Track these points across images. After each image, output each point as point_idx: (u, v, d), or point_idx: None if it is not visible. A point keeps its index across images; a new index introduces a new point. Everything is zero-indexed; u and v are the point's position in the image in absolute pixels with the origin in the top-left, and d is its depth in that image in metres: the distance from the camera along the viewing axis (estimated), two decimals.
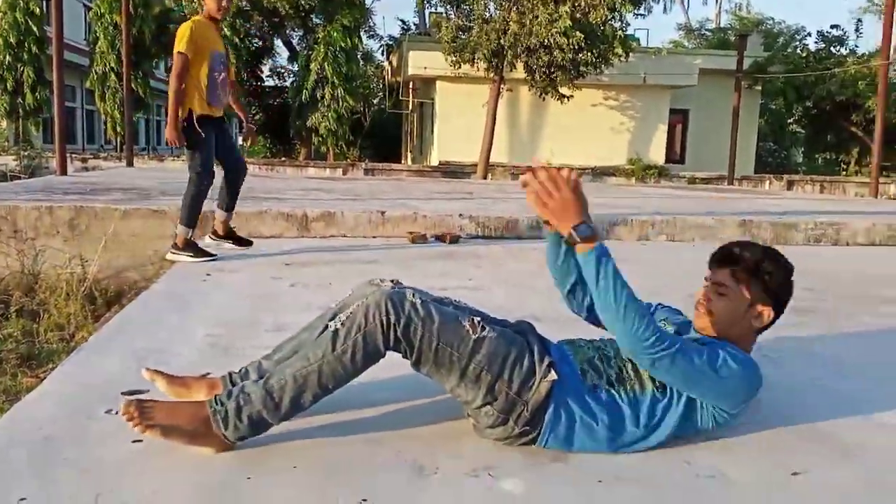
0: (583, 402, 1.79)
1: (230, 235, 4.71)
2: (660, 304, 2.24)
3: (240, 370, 1.99)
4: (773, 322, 1.95)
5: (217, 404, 1.74)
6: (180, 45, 4.13)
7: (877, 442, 1.96)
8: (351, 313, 1.75)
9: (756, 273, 1.88)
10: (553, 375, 1.77)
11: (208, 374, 2.29)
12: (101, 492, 1.57)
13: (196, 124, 4.23)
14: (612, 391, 1.81)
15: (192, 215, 4.37)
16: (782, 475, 1.74)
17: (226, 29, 16.53)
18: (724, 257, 1.93)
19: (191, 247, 4.38)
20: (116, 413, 1.98)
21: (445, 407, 2.03)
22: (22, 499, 1.53)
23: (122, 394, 2.13)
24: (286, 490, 1.60)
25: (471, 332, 1.77)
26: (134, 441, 1.80)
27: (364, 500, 1.56)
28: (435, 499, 1.58)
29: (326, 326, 1.78)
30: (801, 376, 2.49)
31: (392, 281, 1.91)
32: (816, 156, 24.31)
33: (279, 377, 1.74)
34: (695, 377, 1.74)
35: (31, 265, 4.95)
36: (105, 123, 18.45)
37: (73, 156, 14.24)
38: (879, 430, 2.04)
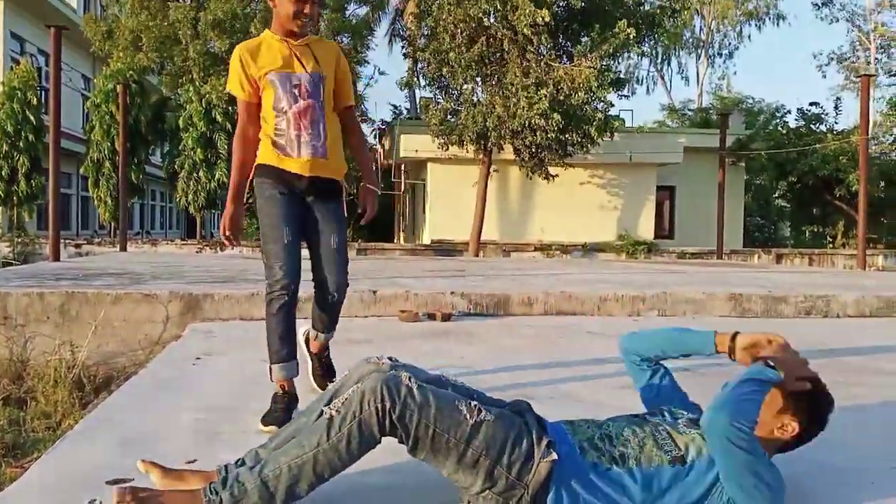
0: (585, 480, 1.76)
1: (319, 360, 3.22)
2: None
3: (237, 461, 1.93)
4: (796, 442, 1.91)
5: (212, 493, 1.71)
6: (230, 87, 2.86)
7: None
8: (346, 399, 1.74)
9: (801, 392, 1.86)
10: (553, 456, 1.75)
11: (195, 461, 2.26)
12: None
13: (256, 177, 2.83)
14: (616, 468, 1.78)
15: (268, 343, 2.82)
16: None
17: (218, 116, 16.95)
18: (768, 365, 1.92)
19: (273, 398, 2.78)
20: (100, 503, 1.94)
21: (443, 490, 1.99)
22: None
23: (107, 483, 2.09)
24: None
25: (468, 416, 1.75)
26: None
27: None
28: None
29: (322, 413, 1.77)
30: (801, 452, 2.46)
31: (389, 358, 1.91)
32: (803, 229, 24.63)
33: (274, 466, 1.72)
34: (740, 471, 1.71)
35: (19, 352, 4.91)
36: (99, 209, 18.62)
37: (67, 241, 14.32)
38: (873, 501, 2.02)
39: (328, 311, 3.01)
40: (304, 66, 2.81)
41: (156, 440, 2.51)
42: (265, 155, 2.80)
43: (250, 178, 2.85)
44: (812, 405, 1.88)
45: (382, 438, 1.75)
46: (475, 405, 1.78)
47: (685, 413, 2.00)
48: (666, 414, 1.99)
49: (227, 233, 2.84)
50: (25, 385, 4.66)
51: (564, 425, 1.92)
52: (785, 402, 1.85)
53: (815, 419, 1.89)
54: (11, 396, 4.49)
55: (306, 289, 2.94)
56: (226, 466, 1.92)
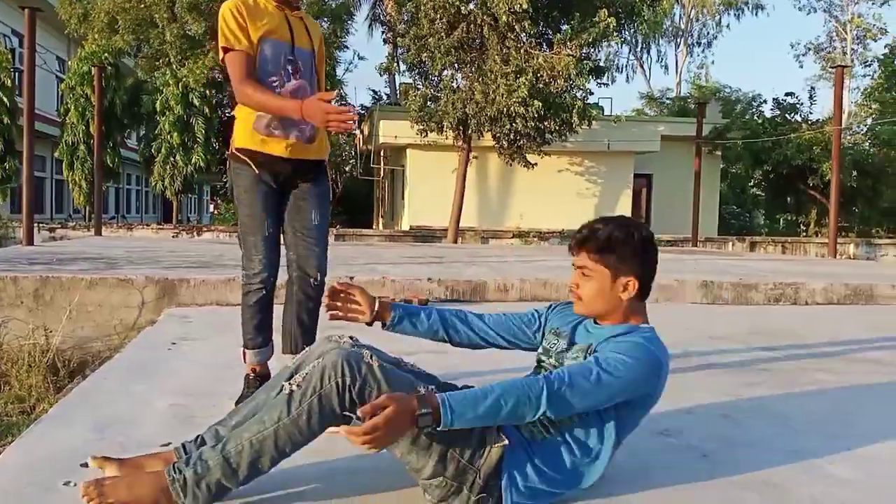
0: (529, 455, 1.81)
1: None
2: (555, 306, 2.19)
3: (195, 438, 1.94)
4: (646, 288, 1.96)
5: (175, 472, 1.74)
6: (221, 40, 2.55)
7: (827, 493, 2.02)
8: (307, 374, 1.75)
9: (608, 247, 1.90)
10: (504, 441, 1.78)
11: (169, 444, 2.28)
12: None
13: (233, 162, 2.63)
14: (548, 435, 1.84)
15: (243, 329, 2.79)
16: None
17: (195, 100, 16.81)
18: (579, 240, 1.95)
19: (245, 381, 2.76)
20: (75, 485, 1.97)
21: (405, 476, 2.04)
22: None
23: (81, 465, 2.11)
24: None
25: (425, 393, 1.77)
26: None
27: None
28: None
29: (282, 388, 1.79)
30: (756, 433, 2.55)
31: (350, 337, 1.92)
32: (777, 217, 24.96)
33: (236, 442, 1.74)
34: (595, 396, 1.75)
35: None
36: (74, 193, 18.40)
37: (41, 225, 14.15)
38: (822, 480, 2.11)
39: (308, 311, 2.72)
40: (299, 41, 2.62)
41: (131, 424, 2.53)
42: (244, 137, 2.56)
43: (229, 155, 2.65)
44: (629, 251, 1.91)
45: (343, 414, 1.75)
46: (432, 389, 1.82)
47: (556, 344, 2.04)
48: (549, 357, 2.03)
49: (342, 116, 2.27)
50: None
51: None
52: (609, 268, 1.90)
53: (642, 259, 1.92)
54: None
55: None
56: (184, 445, 1.93)
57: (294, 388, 1.75)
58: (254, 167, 2.57)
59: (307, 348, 1.99)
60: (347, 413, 1.73)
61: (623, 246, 1.90)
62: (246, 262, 2.68)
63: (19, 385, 4.37)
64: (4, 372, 4.56)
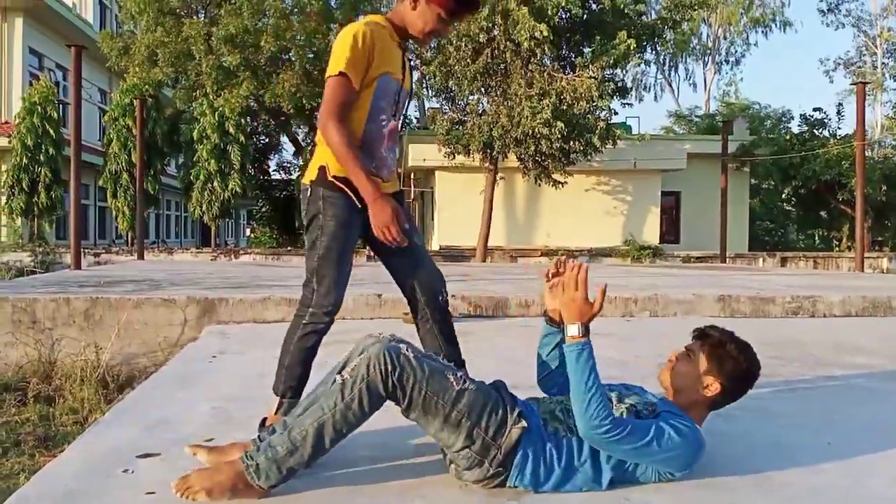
0: (544, 446, 2.09)
1: None
2: (623, 384, 2.43)
3: (269, 430, 2.16)
4: (722, 400, 2.23)
5: (248, 459, 2.03)
6: (335, 63, 2.34)
7: (807, 482, 2.23)
8: (356, 366, 2.05)
9: (718, 349, 2.20)
10: (523, 423, 2.08)
11: (212, 439, 2.59)
12: None
13: (325, 189, 2.40)
14: (571, 437, 2.10)
15: (286, 372, 2.51)
16: None
17: (231, 128, 17.42)
18: (701, 332, 2.27)
19: (262, 426, 2.48)
20: (132, 472, 2.27)
21: (419, 464, 2.31)
22: None
23: (137, 457, 2.42)
24: None
25: (454, 383, 2.07)
26: (147, 493, 2.09)
27: None
28: None
29: (335, 379, 2.08)
30: (754, 431, 2.75)
31: (391, 335, 2.22)
32: (811, 232, 24.75)
33: (300, 428, 2.03)
34: (638, 454, 2.05)
35: (48, 353, 5.26)
36: (117, 219, 19.09)
37: (86, 250, 14.75)
38: (812, 474, 2.30)
39: (448, 325, 2.65)
40: (406, 82, 2.56)
41: (178, 424, 2.84)
42: (340, 167, 2.37)
43: (311, 184, 2.43)
44: (734, 365, 2.19)
45: (387, 398, 2.05)
46: (461, 375, 2.12)
47: (631, 392, 2.30)
48: (616, 391, 2.30)
49: (398, 236, 2.35)
50: (54, 384, 5.00)
51: (531, 401, 2.25)
52: (708, 364, 2.19)
53: (736, 378, 2.21)
54: (41, 394, 4.83)
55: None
56: (259, 436, 2.22)
57: (346, 377, 2.04)
58: (354, 197, 2.39)
59: (353, 346, 2.24)
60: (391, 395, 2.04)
61: (729, 359, 2.20)
62: (318, 299, 2.44)
63: (73, 398, 4.72)
64: (59, 386, 4.93)
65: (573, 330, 2.06)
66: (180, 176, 19.63)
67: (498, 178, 15.29)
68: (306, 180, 2.46)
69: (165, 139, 19.04)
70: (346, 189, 2.38)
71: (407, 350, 2.09)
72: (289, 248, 21.52)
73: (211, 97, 17.45)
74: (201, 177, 17.89)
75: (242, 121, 17.99)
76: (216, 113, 17.41)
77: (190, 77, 17.86)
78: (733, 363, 2.19)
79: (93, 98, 22.74)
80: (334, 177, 2.39)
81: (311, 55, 17.70)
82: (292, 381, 2.49)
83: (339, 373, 2.10)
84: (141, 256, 13.74)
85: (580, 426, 2.01)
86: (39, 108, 17.41)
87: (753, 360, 2.23)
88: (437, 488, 2.13)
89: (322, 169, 2.41)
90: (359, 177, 2.31)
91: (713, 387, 2.19)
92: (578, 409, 2.00)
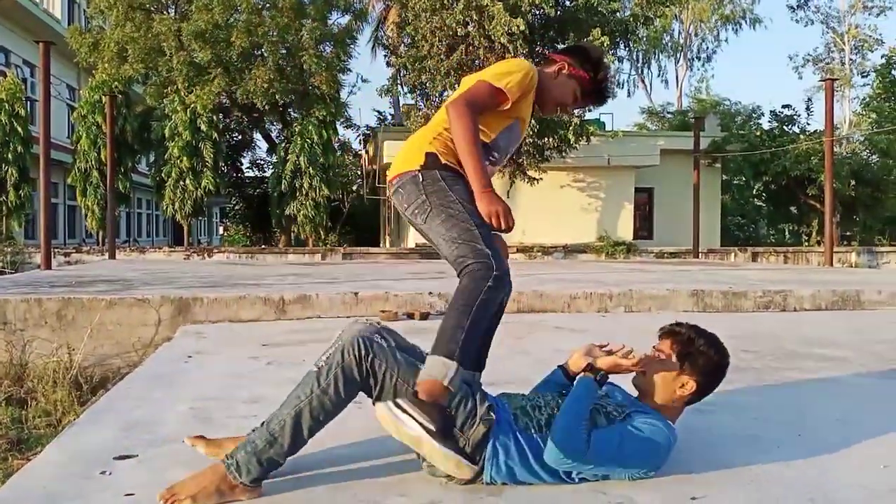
0: (516, 440, 2.11)
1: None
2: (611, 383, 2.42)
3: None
4: (697, 396, 2.26)
5: (229, 459, 2.04)
6: (502, 76, 2.35)
7: (778, 474, 2.28)
8: (330, 353, 2.08)
9: (688, 347, 2.23)
10: (492, 416, 2.11)
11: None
12: None
13: (443, 171, 2.34)
14: (540, 433, 2.13)
15: (467, 339, 2.16)
16: (683, 499, 2.06)
17: (203, 125, 17.26)
18: (669, 330, 2.30)
19: (439, 411, 2.07)
20: (110, 474, 2.26)
21: (399, 462, 2.33)
22: None
23: (114, 458, 2.41)
24: None
25: None
26: (126, 494, 2.08)
27: None
28: None
29: (310, 370, 2.10)
30: (727, 424, 2.81)
31: (378, 323, 2.26)
32: (781, 227, 25.14)
33: (278, 419, 2.05)
34: (607, 472, 2.11)
35: (19, 355, 5.19)
36: (86, 218, 18.82)
37: (56, 250, 14.53)
38: (783, 467, 2.35)
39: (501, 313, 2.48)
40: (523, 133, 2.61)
41: (155, 424, 2.82)
42: (451, 154, 2.36)
43: (421, 168, 2.34)
44: (706, 361, 2.23)
45: (360, 390, 2.08)
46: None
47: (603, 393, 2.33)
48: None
49: (511, 223, 2.29)
50: (26, 386, 4.93)
51: (502, 397, 2.27)
52: (681, 364, 2.22)
53: (709, 372, 2.25)
54: (13, 397, 4.76)
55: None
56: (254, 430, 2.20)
57: (321, 364, 2.07)
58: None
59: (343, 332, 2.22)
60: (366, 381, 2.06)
61: (701, 354, 2.23)
62: (480, 255, 2.20)
63: (46, 400, 4.66)
64: (32, 388, 4.86)
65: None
66: (151, 174, 19.41)
67: None
68: (411, 167, 2.35)
69: (136, 136, 18.80)
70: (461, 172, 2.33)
71: (380, 339, 2.13)
72: (263, 246, 21.38)
73: (182, 94, 17.26)
74: (173, 174, 17.70)
75: (215, 117, 17.83)
76: (188, 110, 17.23)
77: (160, 73, 17.65)
78: (705, 359, 2.23)
79: (61, 95, 22.35)
80: (450, 162, 2.35)
81: (283, 51, 17.57)
82: (474, 352, 2.24)
83: (317, 361, 2.12)
84: (112, 256, 13.57)
85: (550, 451, 2.04)
86: (7, 105, 17.10)
87: (723, 352, 2.27)
88: (417, 485, 2.14)
89: (432, 155, 2.35)
90: (477, 165, 2.27)
91: (689, 385, 2.22)
92: (565, 425, 2.05)
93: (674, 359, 2.22)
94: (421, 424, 2.01)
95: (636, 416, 2.14)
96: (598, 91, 2.57)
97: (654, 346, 2.31)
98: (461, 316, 2.16)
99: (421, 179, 2.33)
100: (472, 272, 2.19)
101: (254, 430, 2.10)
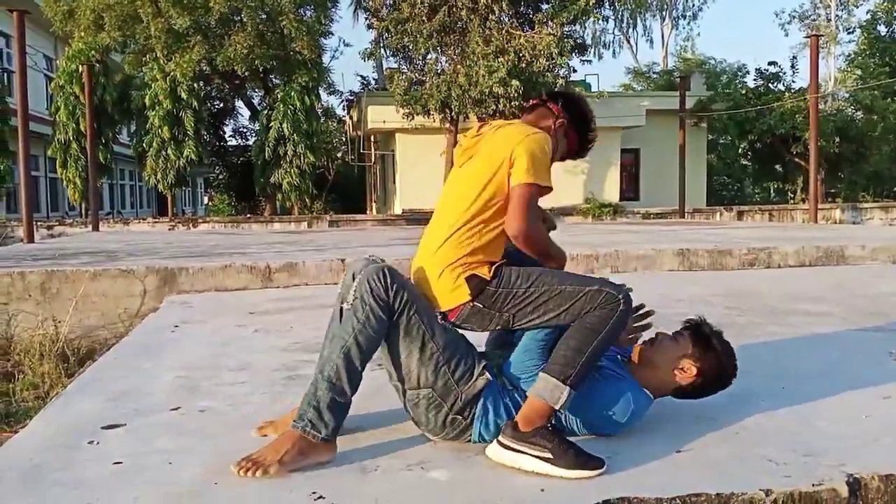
0: (503, 398, 2.14)
1: None
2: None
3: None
4: (689, 391, 2.24)
5: (300, 421, 2.04)
6: (542, 173, 2.22)
7: (754, 424, 2.32)
8: (356, 288, 2.08)
9: (704, 341, 2.23)
10: (488, 376, 2.15)
11: (178, 408, 2.58)
12: (91, 501, 1.84)
13: (495, 281, 2.18)
14: (517, 391, 2.16)
15: (588, 365, 2.09)
16: (669, 452, 2.09)
17: (183, 93, 17.00)
18: (694, 324, 2.29)
19: (545, 436, 2.02)
20: (98, 444, 2.26)
21: (388, 424, 2.34)
22: None
23: (102, 428, 2.40)
24: (247, 491, 1.89)
25: (440, 319, 2.16)
26: (115, 463, 2.08)
27: (314, 492, 1.85)
28: (375, 488, 1.89)
29: (342, 310, 2.11)
30: None
31: (379, 259, 2.27)
32: (766, 185, 25.23)
33: (331, 365, 2.06)
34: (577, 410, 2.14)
35: (4, 329, 5.16)
36: (68, 190, 18.61)
37: (39, 223, 14.38)
38: (766, 418, 2.39)
39: None
40: None
41: (142, 394, 2.82)
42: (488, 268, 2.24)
43: (472, 298, 2.19)
44: (714, 358, 2.23)
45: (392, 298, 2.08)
46: (442, 318, 2.19)
47: None
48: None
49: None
50: (12, 360, 4.92)
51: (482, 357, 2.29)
52: (692, 349, 2.22)
53: (712, 373, 2.23)
54: (0, 371, 4.76)
55: None
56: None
57: (353, 301, 2.08)
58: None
59: (343, 276, 2.26)
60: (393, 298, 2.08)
61: (713, 354, 2.22)
62: (597, 293, 2.13)
63: (33, 373, 4.65)
64: (18, 361, 4.84)
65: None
66: (133, 144, 19.15)
67: (459, 139, 15.25)
68: (460, 299, 2.19)
69: (116, 106, 18.50)
70: (500, 266, 2.23)
71: (401, 275, 2.15)
72: (248, 215, 21.24)
73: (161, 62, 16.97)
74: (154, 144, 17.48)
75: (195, 86, 17.56)
76: (167, 78, 16.95)
77: (139, 41, 17.32)
78: (715, 358, 2.22)
79: (38, 65, 21.93)
80: (487, 278, 2.20)
81: (263, 16, 17.25)
82: (586, 370, 2.11)
83: (343, 303, 2.13)
84: (96, 228, 13.45)
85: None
86: None
87: (732, 366, 2.27)
88: (407, 446, 2.16)
89: (475, 277, 2.18)
90: (551, 250, 2.31)
91: (690, 371, 2.21)
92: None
93: (688, 342, 2.23)
94: (538, 457, 1.97)
95: (610, 376, 2.17)
96: (579, 152, 2.52)
97: (674, 332, 2.30)
98: (587, 340, 2.08)
99: (482, 307, 2.19)
100: (602, 303, 2.11)
101: (311, 386, 2.09)
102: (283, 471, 1.96)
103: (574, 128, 2.44)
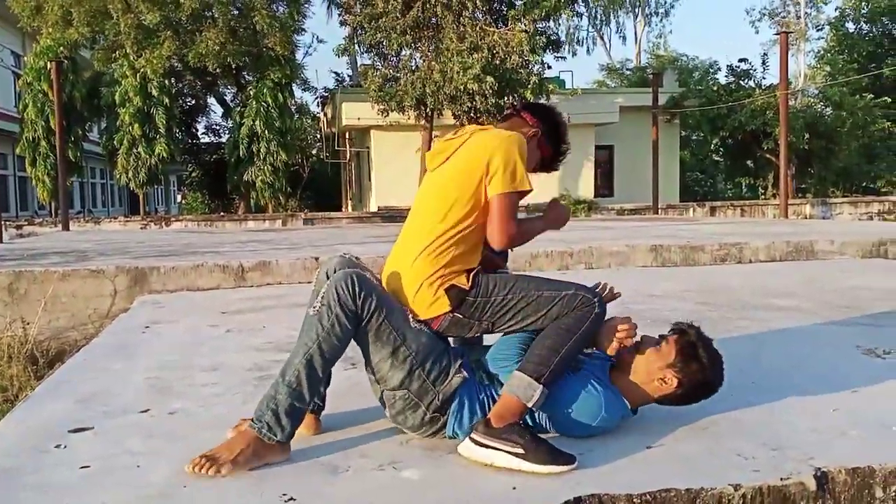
0: (478, 393, 2.15)
1: None
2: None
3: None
4: (671, 399, 2.19)
5: (257, 423, 2.03)
6: (515, 176, 2.23)
7: (724, 418, 2.34)
8: (324, 294, 2.06)
9: (689, 349, 2.15)
10: (464, 374, 2.14)
11: (148, 410, 2.55)
12: None
13: (474, 290, 2.19)
14: (494, 384, 2.17)
15: (563, 360, 2.11)
16: (640, 447, 2.10)
17: (154, 90, 16.79)
18: (680, 329, 2.21)
19: (517, 432, 2.02)
20: (65, 447, 2.22)
21: (359, 422, 2.33)
22: None
23: (69, 431, 2.37)
24: (217, 493, 1.87)
25: (411, 322, 2.14)
26: (82, 467, 2.05)
27: (284, 494, 1.84)
28: (347, 489, 1.88)
29: (309, 313, 2.09)
30: None
31: (356, 258, 2.27)
32: (738, 181, 25.53)
33: (292, 369, 2.04)
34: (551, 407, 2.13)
35: None
36: (38, 189, 18.30)
37: (8, 223, 14.13)
38: (738, 412, 2.41)
39: None
40: None
41: (111, 396, 2.78)
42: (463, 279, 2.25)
43: (452, 308, 2.19)
44: (698, 372, 2.15)
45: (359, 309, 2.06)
46: (416, 320, 2.17)
47: None
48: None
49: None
50: None
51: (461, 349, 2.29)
52: (675, 358, 2.15)
53: (695, 383, 2.17)
54: None
55: None
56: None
57: (319, 307, 2.05)
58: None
59: (316, 276, 2.27)
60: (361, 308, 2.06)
61: (696, 362, 2.14)
62: (572, 296, 2.18)
63: (1, 376, 4.57)
64: None
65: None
66: (103, 142, 18.88)
67: (434, 137, 15.22)
68: (441, 309, 2.18)
69: (85, 103, 18.24)
70: (477, 274, 2.24)
71: (372, 276, 2.14)
72: (222, 213, 21.05)
73: (131, 58, 16.73)
74: (125, 142, 17.25)
75: (166, 82, 17.36)
76: (138, 74, 16.74)
77: (108, 37, 17.07)
78: (698, 367, 2.14)
79: (5, 62, 21.53)
80: (466, 287, 2.21)
81: (235, 11, 17.10)
82: (560, 369, 2.14)
83: (311, 307, 2.10)
84: (66, 227, 13.23)
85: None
86: None
87: (718, 374, 2.18)
88: (377, 445, 2.16)
89: (454, 288, 2.18)
90: (538, 229, 2.40)
91: (670, 382, 2.15)
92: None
93: (671, 351, 2.16)
94: (510, 453, 1.96)
95: (587, 379, 2.15)
96: (552, 163, 2.52)
97: (659, 335, 2.24)
98: (561, 340, 2.11)
99: (462, 316, 2.20)
100: (578, 306, 2.15)
101: (271, 388, 2.08)
102: (236, 471, 1.96)
103: (547, 138, 2.44)
